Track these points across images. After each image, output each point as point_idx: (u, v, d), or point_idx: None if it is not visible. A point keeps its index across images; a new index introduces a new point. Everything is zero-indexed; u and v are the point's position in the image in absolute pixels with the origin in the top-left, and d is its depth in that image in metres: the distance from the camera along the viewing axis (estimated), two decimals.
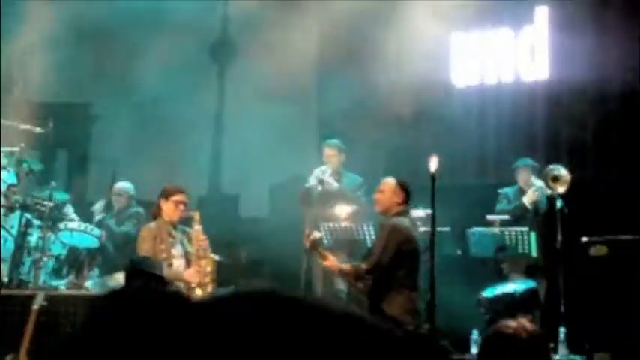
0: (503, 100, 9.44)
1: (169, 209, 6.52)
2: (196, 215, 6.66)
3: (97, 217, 8.92)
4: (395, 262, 6.06)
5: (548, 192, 7.42)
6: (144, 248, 6.42)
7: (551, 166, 7.55)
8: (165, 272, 6.31)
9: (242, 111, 10.43)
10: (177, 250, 6.53)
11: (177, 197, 6.54)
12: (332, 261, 6.24)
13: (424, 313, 6.23)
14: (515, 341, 2.81)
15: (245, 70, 10.83)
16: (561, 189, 7.36)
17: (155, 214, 6.66)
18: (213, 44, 11.43)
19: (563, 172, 7.42)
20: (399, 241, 6.09)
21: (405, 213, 6.33)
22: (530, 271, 7.64)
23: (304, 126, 10.35)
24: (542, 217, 7.52)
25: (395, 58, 9.84)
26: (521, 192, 7.85)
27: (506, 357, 2.82)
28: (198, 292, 6.40)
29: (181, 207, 6.54)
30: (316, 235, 6.37)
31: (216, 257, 6.64)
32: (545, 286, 7.51)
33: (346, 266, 6.19)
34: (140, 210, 8.97)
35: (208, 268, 6.49)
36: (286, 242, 8.54)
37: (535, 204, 7.64)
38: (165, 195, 6.57)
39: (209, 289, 6.45)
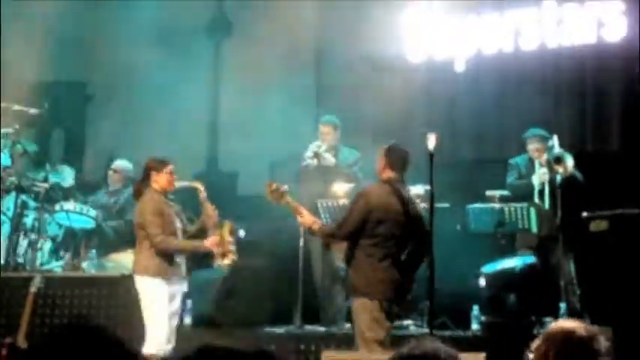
0: (503, 73, 9.33)
1: (164, 180, 6.44)
2: (200, 185, 6.67)
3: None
4: (359, 229, 5.78)
5: (560, 170, 7.34)
6: (155, 222, 6.26)
7: (556, 150, 7.47)
8: (183, 243, 6.31)
9: (239, 88, 10.33)
10: (178, 224, 6.45)
11: (169, 167, 6.50)
12: (305, 216, 6.05)
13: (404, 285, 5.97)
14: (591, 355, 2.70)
15: (242, 46, 10.72)
16: (561, 170, 7.29)
17: (140, 189, 6.51)
18: (209, 20, 11.31)
19: (566, 155, 7.37)
20: (365, 207, 5.77)
21: (390, 180, 5.95)
22: (542, 246, 7.56)
23: (303, 102, 10.25)
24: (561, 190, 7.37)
25: (395, 33, 9.72)
26: (531, 162, 7.78)
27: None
28: (226, 262, 6.45)
29: (174, 176, 6.52)
30: (280, 186, 6.14)
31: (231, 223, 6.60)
32: (570, 260, 7.43)
33: (316, 226, 6.03)
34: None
35: (227, 236, 6.46)
36: (285, 219, 8.49)
37: (543, 184, 7.56)
38: (157, 167, 6.46)
39: (232, 257, 6.45)
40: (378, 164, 6.04)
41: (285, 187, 6.19)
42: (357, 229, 5.81)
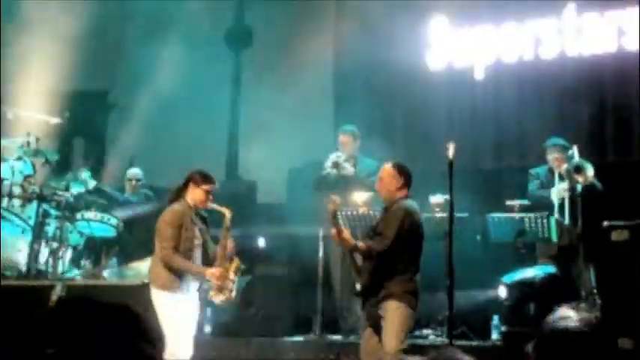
0: (523, 81, 9.33)
1: (198, 196, 6.22)
2: (227, 213, 6.37)
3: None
4: (405, 245, 5.92)
5: (580, 180, 7.31)
6: (168, 233, 6.11)
7: (576, 160, 7.45)
8: (186, 265, 6.13)
9: (258, 97, 10.38)
10: (197, 240, 6.28)
11: (209, 186, 6.26)
12: (348, 235, 6.07)
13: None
14: (581, 338, 2.69)
15: (261, 55, 10.79)
16: (581, 179, 7.27)
17: (176, 196, 6.30)
18: (229, 30, 11.37)
19: (586, 164, 7.34)
20: (412, 225, 5.93)
21: (410, 196, 6.12)
22: (562, 255, 7.53)
23: (321, 111, 10.29)
24: (581, 200, 7.36)
25: (415, 42, 9.74)
26: (551, 172, 7.76)
27: (571, 354, 2.69)
28: (220, 297, 6.19)
29: (211, 197, 6.29)
30: (337, 199, 6.18)
31: (241, 265, 6.36)
32: (590, 270, 7.40)
33: (361, 244, 6.02)
34: (147, 191, 9.34)
35: (232, 274, 6.24)
36: (304, 228, 8.51)
37: (563, 199, 7.54)
38: (198, 180, 6.24)
39: (228, 295, 6.19)
40: (391, 183, 6.09)
41: (340, 202, 6.23)
42: (403, 246, 5.91)
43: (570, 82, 9.11)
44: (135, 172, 9.50)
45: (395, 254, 5.90)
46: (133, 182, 9.40)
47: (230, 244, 6.30)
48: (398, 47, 9.59)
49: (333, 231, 6.05)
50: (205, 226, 6.38)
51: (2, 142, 8.72)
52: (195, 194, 6.23)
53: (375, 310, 5.94)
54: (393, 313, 5.85)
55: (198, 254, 6.25)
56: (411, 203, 6.09)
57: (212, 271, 6.12)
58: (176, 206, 6.25)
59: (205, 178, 6.28)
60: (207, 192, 6.24)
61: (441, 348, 5.52)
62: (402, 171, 6.13)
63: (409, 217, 5.96)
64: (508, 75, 9.40)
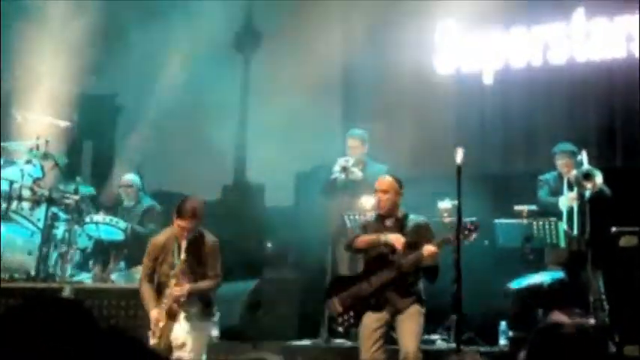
0: (532, 86, 9.32)
1: (176, 227, 5.97)
2: (182, 259, 5.89)
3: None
4: None
5: (589, 186, 7.31)
6: (144, 262, 6.14)
7: (585, 166, 7.44)
8: (144, 297, 6.04)
9: (267, 100, 10.40)
10: (176, 269, 5.98)
11: (180, 222, 5.91)
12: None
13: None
14: (575, 343, 2.68)
15: (270, 58, 10.80)
16: (590, 185, 7.26)
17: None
18: (237, 33, 11.40)
19: (595, 170, 7.33)
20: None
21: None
22: (571, 261, 7.52)
23: (329, 114, 10.30)
24: (590, 206, 7.37)
25: (423, 46, 9.74)
26: (560, 178, 7.75)
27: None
28: (151, 340, 5.88)
29: (185, 233, 5.92)
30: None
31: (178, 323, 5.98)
32: (598, 276, 7.41)
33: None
34: (152, 203, 9.01)
35: (161, 322, 5.87)
36: (312, 231, 8.52)
37: (571, 208, 7.53)
38: (176, 212, 5.96)
39: (155, 341, 5.83)
40: (397, 195, 6.34)
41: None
42: None
43: (579, 87, 9.09)
44: (128, 178, 9.10)
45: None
46: (128, 190, 9.01)
47: (174, 293, 5.88)
48: (406, 51, 9.59)
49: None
50: (189, 256, 5.96)
51: (12, 145, 8.77)
52: (175, 225, 6.01)
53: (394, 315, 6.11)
54: (419, 316, 6.09)
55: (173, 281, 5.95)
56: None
57: (154, 312, 5.95)
58: (159, 236, 6.19)
59: (179, 212, 5.92)
60: (180, 227, 5.92)
61: (461, 353, 5.61)
62: (400, 182, 6.41)
63: (431, 230, 6.38)
64: (517, 80, 9.38)
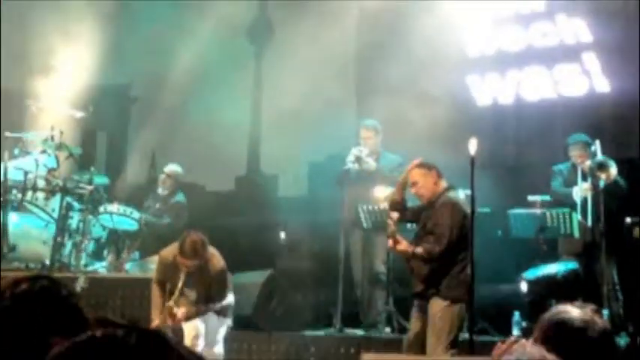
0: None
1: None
2: (181, 277, 6.13)
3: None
4: (459, 238, 5.95)
5: (603, 177, 7.27)
6: (155, 276, 6.38)
7: (599, 157, 7.40)
8: (152, 302, 6.26)
9: (280, 91, 10.40)
10: (187, 289, 6.27)
11: (181, 260, 6.14)
12: (404, 245, 6.06)
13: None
14: (585, 337, 2.67)
15: (282, 49, 10.79)
16: (604, 176, 7.22)
17: None
18: (250, 25, 11.40)
19: (609, 161, 7.29)
20: (461, 216, 5.99)
21: (450, 188, 6.17)
22: (585, 252, 7.49)
23: (343, 105, 10.28)
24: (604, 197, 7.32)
25: (435, 32, 9.69)
26: (574, 168, 7.72)
27: (574, 354, 2.66)
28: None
29: (185, 269, 6.15)
30: (394, 216, 6.14)
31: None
32: (612, 266, 7.38)
33: (419, 249, 6.00)
34: (182, 200, 9.01)
35: None
36: (325, 222, 8.52)
37: (585, 198, 7.50)
38: (178, 248, 6.16)
39: None
40: (428, 181, 6.13)
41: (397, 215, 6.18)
42: (459, 239, 5.93)
43: None
44: (170, 168, 9.16)
45: (451, 250, 5.96)
46: (167, 179, 9.05)
47: (179, 315, 6.16)
48: (421, 37, 9.52)
49: (390, 242, 6.06)
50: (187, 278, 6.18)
51: (27, 135, 8.82)
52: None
53: (424, 308, 6.01)
54: (440, 312, 5.92)
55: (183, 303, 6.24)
56: (454, 194, 6.14)
57: (155, 323, 6.14)
58: (167, 252, 6.38)
59: (181, 250, 6.13)
60: (184, 265, 6.13)
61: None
62: (429, 165, 6.21)
63: (456, 209, 6.01)
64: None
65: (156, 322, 6.15)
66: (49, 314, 2.02)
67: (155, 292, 6.32)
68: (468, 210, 5.98)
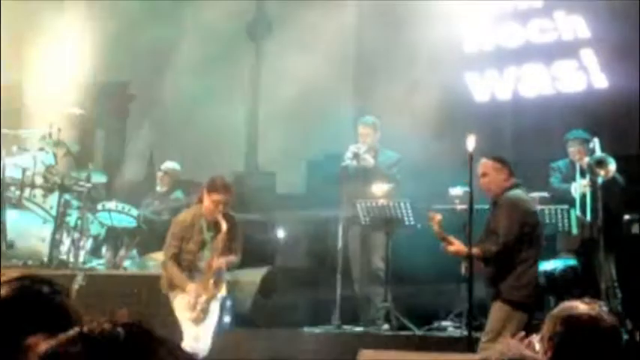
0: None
1: (208, 205, 6.14)
2: (224, 228, 6.11)
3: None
4: (520, 237, 5.83)
5: (602, 173, 7.27)
6: (169, 247, 6.24)
7: (598, 153, 7.40)
8: (174, 273, 6.14)
9: (278, 88, 10.38)
10: (205, 253, 6.24)
11: (215, 197, 6.08)
12: (457, 245, 5.97)
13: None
14: (593, 332, 2.67)
15: (281, 47, 10.78)
16: (603, 172, 7.22)
17: (199, 199, 6.32)
18: (249, 22, 11.39)
19: (608, 158, 7.29)
20: (520, 215, 5.86)
21: (516, 186, 6.05)
22: (583, 248, 7.49)
23: (341, 102, 10.28)
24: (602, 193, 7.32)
25: (431, 33, 9.70)
26: (572, 164, 7.72)
27: (583, 349, 2.66)
28: (187, 314, 6.10)
29: (220, 207, 6.10)
30: (439, 216, 6.03)
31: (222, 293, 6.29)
32: (611, 262, 7.37)
33: (475, 250, 5.85)
34: (180, 197, 8.99)
35: (204, 296, 6.07)
36: (323, 219, 8.52)
37: (584, 195, 7.50)
38: (208, 189, 6.14)
39: (194, 315, 6.03)
40: (498, 176, 6.03)
41: (439, 216, 6.07)
42: (519, 238, 5.83)
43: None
44: (167, 165, 9.20)
45: (511, 250, 5.84)
46: (164, 177, 9.09)
47: (215, 264, 6.13)
48: (420, 33, 9.50)
49: (445, 244, 5.97)
50: (228, 229, 6.16)
51: (24, 132, 8.81)
52: (206, 202, 6.16)
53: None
54: (495, 313, 5.84)
55: (202, 263, 6.21)
56: (517, 192, 6.01)
57: (191, 286, 6.08)
58: (183, 215, 6.35)
59: (214, 187, 6.12)
60: (216, 202, 6.09)
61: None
62: (504, 161, 6.13)
63: (516, 206, 5.89)
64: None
65: (191, 285, 6.07)
66: (24, 315, 2.00)
67: (174, 268, 6.18)
68: (534, 207, 5.92)
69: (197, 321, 6.03)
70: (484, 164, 6.11)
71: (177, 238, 6.20)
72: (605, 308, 2.79)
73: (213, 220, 6.17)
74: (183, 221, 6.26)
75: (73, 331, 1.43)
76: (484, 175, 6.08)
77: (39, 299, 2.05)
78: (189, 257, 6.19)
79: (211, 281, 6.14)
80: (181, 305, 6.16)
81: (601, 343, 2.67)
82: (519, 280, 5.82)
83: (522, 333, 2.80)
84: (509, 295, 5.81)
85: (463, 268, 6.15)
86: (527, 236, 5.84)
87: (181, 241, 6.19)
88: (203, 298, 6.07)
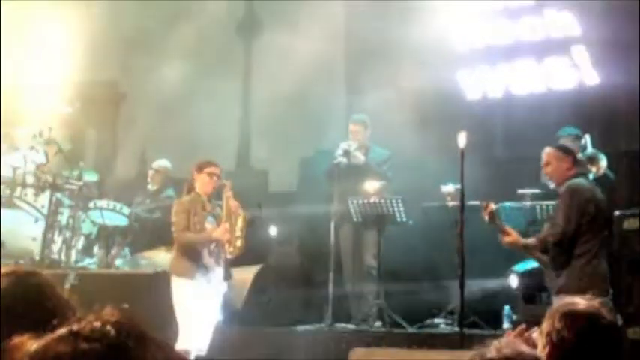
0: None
1: (203, 181, 6.48)
2: (228, 183, 6.62)
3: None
4: (580, 226, 5.68)
5: (593, 170, 7.28)
6: (179, 222, 6.36)
7: (589, 150, 7.42)
8: (193, 236, 6.36)
9: (269, 86, 10.38)
10: (210, 224, 6.48)
11: (210, 169, 6.50)
12: (514, 236, 5.87)
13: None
14: (593, 328, 2.67)
15: (272, 44, 10.78)
16: (594, 169, 7.23)
17: (189, 188, 6.58)
18: (239, 20, 11.37)
19: (599, 154, 7.30)
20: (580, 203, 5.70)
21: (579, 175, 5.92)
22: None
23: (332, 100, 10.28)
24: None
25: (422, 30, 9.70)
26: None
27: (582, 345, 2.66)
28: (230, 249, 6.46)
29: (214, 178, 6.51)
30: (493, 206, 5.92)
31: (247, 215, 6.67)
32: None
33: (531, 240, 5.82)
34: (172, 196, 8.96)
35: (239, 225, 6.52)
36: (315, 216, 8.52)
37: None
38: (199, 168, 6.53)
39: (239, 243, 6.48)
40: (561, 165, 5.91)
41: (493, 206, 5.97)
42: (579, 227, 5.70)
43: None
44: (158, 163, 9.18)
45: (570, 240, 5.69)
46: (155, 175, 9.08)
47: (234, 204, 6.53)
48: (410, 29, 9.50)
49: (501, 235, 5.87)
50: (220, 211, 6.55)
51: (15, 131, 8.78)
52: (200, 181, 6.48)
53: None
54: None
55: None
56: (578, 181, 5.86)
57: (218, 230, 6.40)
58: (183, 198, 6.56)
59: (203, 164, 6.53)
60: (210, 174, 6.47)
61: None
62: (567, 150, 6.06)
63: (575, 194, 5.75)
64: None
65: (216, 231, 6.40)
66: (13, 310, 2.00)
67: (189, 234, 6.40)
68: (598, 196, 5.77)
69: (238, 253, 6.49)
70: (547, 153, 6.02)
71: (183, 212, 6.39)
72: (604, 305, 2.80)
73: (210, 197, 6.53)
74: (184, 201, 6.50)
75: (63, 330, 1.42)
76: (547, 164, 6.00)
77: (21, 298, 2.05)
78: (196, 229, 6.39)
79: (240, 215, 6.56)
80: (187, 293, 6.22)
81: (600, 340, 2.68)
82: (582, 272, 5.65)
83: (522, 327, 2.80)
84: (572, 288, 5.49)
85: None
86: (588, 225, 5.68)
87: (188, 214, 6.38)
88: (238, 230, 6.50)
